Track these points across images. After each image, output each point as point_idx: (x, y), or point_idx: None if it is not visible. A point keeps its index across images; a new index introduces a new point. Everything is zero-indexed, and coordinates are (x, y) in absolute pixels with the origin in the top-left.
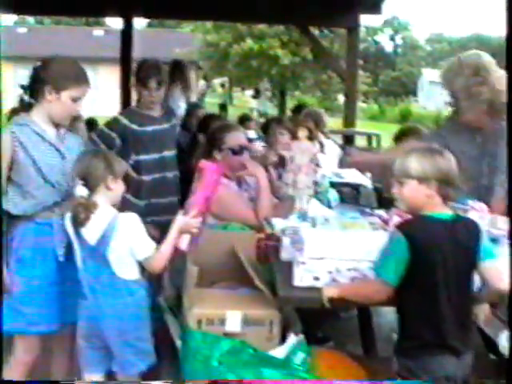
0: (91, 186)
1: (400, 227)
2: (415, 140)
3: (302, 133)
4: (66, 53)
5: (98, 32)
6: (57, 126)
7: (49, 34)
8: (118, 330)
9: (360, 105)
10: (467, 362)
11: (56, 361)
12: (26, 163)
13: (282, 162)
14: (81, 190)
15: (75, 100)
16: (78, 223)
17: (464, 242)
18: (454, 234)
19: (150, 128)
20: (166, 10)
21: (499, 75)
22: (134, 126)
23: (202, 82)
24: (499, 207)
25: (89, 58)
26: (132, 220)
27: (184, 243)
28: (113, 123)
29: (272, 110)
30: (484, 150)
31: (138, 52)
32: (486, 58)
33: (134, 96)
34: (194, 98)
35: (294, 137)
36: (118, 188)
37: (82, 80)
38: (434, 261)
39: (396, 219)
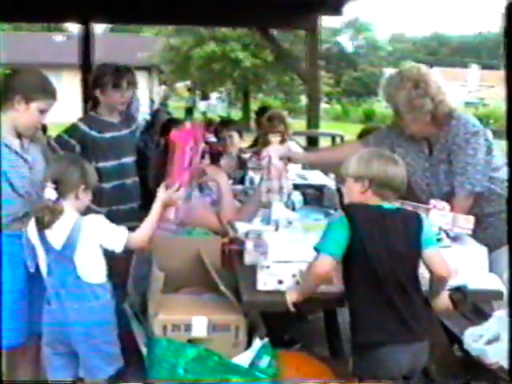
0: (61, 192)
1: (343, 208)
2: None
3: (275, 138)
4: (27, 59)
5: (59, 38)
6: (19, 136)
7: (9, 39)
8: (83, 334)
9: (323, 106)
10: (423, 350)
11: (20, 373)
12: None
13: (240, 165)
14: (50, 193)
15: (42, 112)
16: (42, 226)
17: (402, 230)
18: (390, 220)
19: (108, 134)
20: (127, 15)
21: (438, 85)
22: (93, 133)
23: (163, 87)
24: (462, 206)
25: (51, 63)
26: (96, 219)
27: (171, 214)
28: (72, 130)
29: (236, 113)
30: (437, 158)
31: (99, 57)
32: (424, 70)
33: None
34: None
35: (265, 142)
36: (86, 198)
37: (51, 93)
38: (373, 240)
39: None
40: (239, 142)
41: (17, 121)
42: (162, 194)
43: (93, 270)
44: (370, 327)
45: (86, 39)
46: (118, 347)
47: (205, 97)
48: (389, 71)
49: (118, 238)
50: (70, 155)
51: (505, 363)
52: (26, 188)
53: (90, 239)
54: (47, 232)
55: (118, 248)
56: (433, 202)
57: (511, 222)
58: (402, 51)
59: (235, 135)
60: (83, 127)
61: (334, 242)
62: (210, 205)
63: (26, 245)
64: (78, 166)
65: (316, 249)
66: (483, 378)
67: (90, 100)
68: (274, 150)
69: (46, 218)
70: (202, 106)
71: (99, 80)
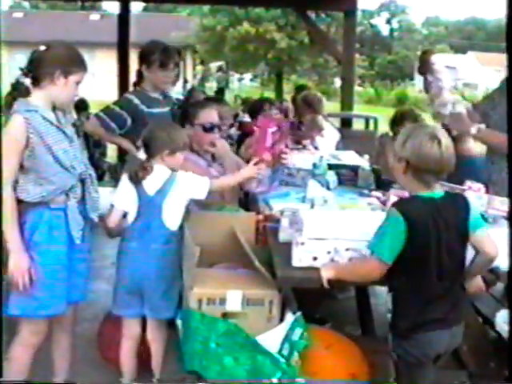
0: (149, 153)
1: (396, 206)
2: (411, 123)
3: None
4: (62, 37)
5: (94, 16)
6: (54, 110)
7: (45, 18)
8: (155, 273)
9: (356, 88)
10: (458, 333)
11: (57, 340)
12: (42, 150)
13: None
14: (141, 154)
15: (78, 84)
16: (135, 180)
17: (454, 218)
18: (443, 211)
19: (156, 110)
20: None
21: None
22: (144, 107)
23: (199, 67)
24: None
25: (85, 42)
26: (187, 175)
27: (253, 186)
28: (125, 103)
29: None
30: None
31: (134, 36)
32: None
33: (132, 78)
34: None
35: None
36: (173, 161)
37: (84, 65)
38: (428, 239)
39: (393, 199)
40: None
41: (56, 95)
42: (248, 169)
43: (174, 218)
44: (413, 312)
45: (124, 18)
46: (177, 295)
47: (220, 70)
48: None
49: (203, 188)
50: (161, 122)
51: None
52: (70, 162)
53: (180, 191)
54: (144, 182)
55: (203, 196)
56: (468, 183)
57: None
58: (437, 35)
59: (277, 113)
60: (136, 101)
61: (391, 247)
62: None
63: (75, 218)
64: (163, 132)
65: (370, 248)
66: None
67: (128, 77)
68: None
69: (139, 173)
70: (235, 86)
71: (147, 57)
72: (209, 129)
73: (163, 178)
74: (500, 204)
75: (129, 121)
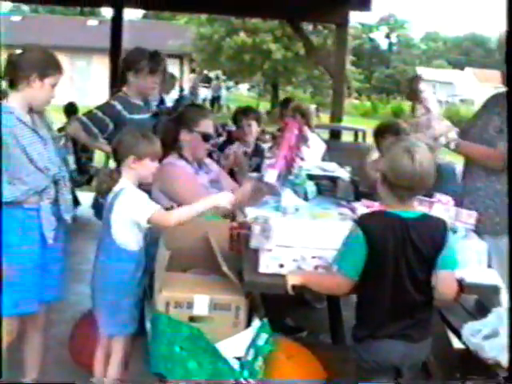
0: (117, 160)
1: (357, 220)
2: (393, 136)
3: None
4: (60, 42)
5: (92, 22)
6: (29, 112)
7: (43, 22)
8: (100, 289)
9: (353, 101)
10: (423, 349)
11: (29, 340)
12: (17, 151)
13: (256, 152)
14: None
15: (53, 86)
16: (102, 192)
17: (423, 243)
18: (412, 232)
19: (136, 116)
20: (160, 2)
21: None
22: (125, 113)
23: (191, 75)
24: None
25: (83, 47)
26: (131, 192)
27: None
28: (107, 108)
29: (265, 104)
30: None
31: (131, 43)
32: None
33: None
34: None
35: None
36: (143, 169)
37: (59, 67)
38: (386, 255)
39: (362, 210)
40: (257, 131)
41: (32, 97)
42: (224, 196)
43: (124, 236)
44: (371, 324)
45: (117, 23)
46: (126, 314)
47: (207, 82)
48: (421, 70)
49: (143, 212)
50: (130, 129)
51: (502, 358)
52: (44, 163)
53: (122, 208)
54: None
55: (142, 221)
56: (437, 195)
57: None
58: (435, 50)
59: (254, 123)
60: (119, 107)
61: (353, 263)
62: (208, 182)
63: (48, 218)
64: (130, 137)
65: (336, 264)
66: (481, 371)
67: (118, 81)
68: None
69: (103, 185)
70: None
71: (135, 63)
72: (207, 138)
73: (115, 191)
74: (467, 217)
75: (111, 126)
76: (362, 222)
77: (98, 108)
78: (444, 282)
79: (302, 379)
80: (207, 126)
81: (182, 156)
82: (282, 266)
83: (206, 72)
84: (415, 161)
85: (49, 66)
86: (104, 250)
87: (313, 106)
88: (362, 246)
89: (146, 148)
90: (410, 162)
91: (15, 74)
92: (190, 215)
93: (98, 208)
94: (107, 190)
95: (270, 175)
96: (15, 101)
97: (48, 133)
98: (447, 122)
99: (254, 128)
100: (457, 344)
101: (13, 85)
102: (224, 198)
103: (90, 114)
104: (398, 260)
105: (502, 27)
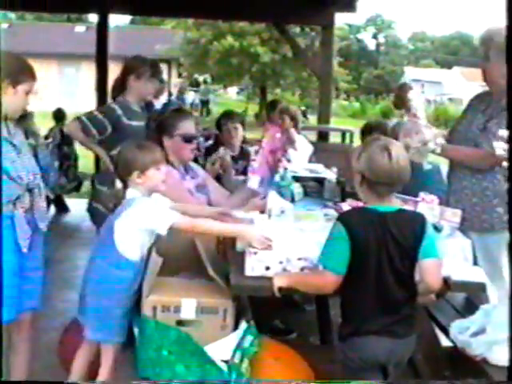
0: (121, 179)
1: (339, 218)
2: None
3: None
4: (48, 49)
5: (79, 28)
6: (5, 120)
7: (30, 30)
8: (92, 292)
9: (341, 102)
10: (409, 345)
11: (14, 348)
12: None
13: (242, 156)
14: (117, 182)
15: (27, 93)
16: (108, 210)
17: (403, 236)
18: (392, 226)
19: (135, 123)
20: (146, 7)
21: None
22: (125, 119)
23: (178, 80)
24: None
25: (70, 54)
26: (144, 203)
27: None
28: (108, 111)
29: (253, 107)
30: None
31: (118, 49)
32: None
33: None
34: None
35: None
36: (149, 180)
37: (33, 74)
38: (368, 250)
39: (346, 209)
40: (242, 134)
41: (5, 105)
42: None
43: (127, 244)
44: (355, 320)
45: (102, 29)
46: (116, 323)
47: (196, 86)
48: (409, 70)
49: (163, 221)
50: (124, 145)
51: (489, 355)
52: (17, 172)
53: (134, 216)
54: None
55: (163, 230)
56: (422, 194)
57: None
58: (423, 50)
59: (239, 127)
60: (119, 111)
61: (339, 259)
62: (195, 187)
63: (22, 227)
64: (125, 154)
65: (322, 262)
66: (468, 368)
67: (106, 89)
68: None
69: (109, 205)
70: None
71: (137, 68)
72: (188, 139)
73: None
74: (452, 215)
75: (109, 129)
76: (343, 217)
77: (99, 110)
78: (428, 271)
79: (290, 380)
80: (187, 127)
81: (168, 161)
82: (268, 268)
83: (196, 76)
84: (392, 158)
85: (22, 73)
86: (104, 254)
87: (300, 108)
88: (345, 241)
89: (145, 159)
90: (388, 159)
91: None
92: (216, 231)
93: (93, 212)
94: (114, 207)
95: (253, 181)
96: None
97: (25, 140)
98: (435, 130)
99: (240, 131)
100: (445, 342)
101: None
102: (256, 237)
103: (90, 114)
104: (379, 254)
105: (488, 25)
